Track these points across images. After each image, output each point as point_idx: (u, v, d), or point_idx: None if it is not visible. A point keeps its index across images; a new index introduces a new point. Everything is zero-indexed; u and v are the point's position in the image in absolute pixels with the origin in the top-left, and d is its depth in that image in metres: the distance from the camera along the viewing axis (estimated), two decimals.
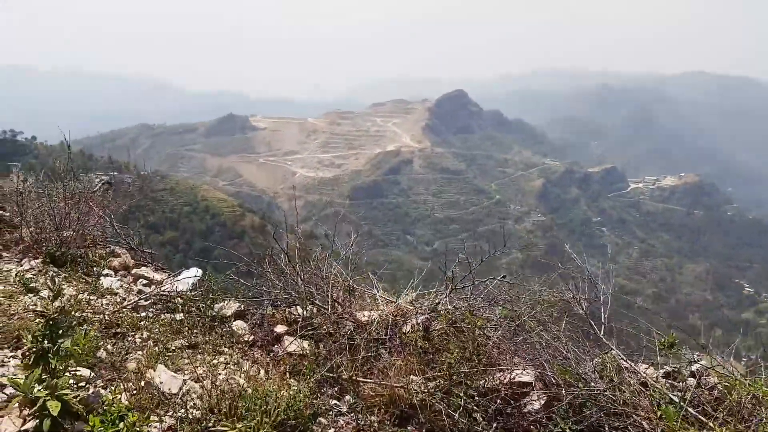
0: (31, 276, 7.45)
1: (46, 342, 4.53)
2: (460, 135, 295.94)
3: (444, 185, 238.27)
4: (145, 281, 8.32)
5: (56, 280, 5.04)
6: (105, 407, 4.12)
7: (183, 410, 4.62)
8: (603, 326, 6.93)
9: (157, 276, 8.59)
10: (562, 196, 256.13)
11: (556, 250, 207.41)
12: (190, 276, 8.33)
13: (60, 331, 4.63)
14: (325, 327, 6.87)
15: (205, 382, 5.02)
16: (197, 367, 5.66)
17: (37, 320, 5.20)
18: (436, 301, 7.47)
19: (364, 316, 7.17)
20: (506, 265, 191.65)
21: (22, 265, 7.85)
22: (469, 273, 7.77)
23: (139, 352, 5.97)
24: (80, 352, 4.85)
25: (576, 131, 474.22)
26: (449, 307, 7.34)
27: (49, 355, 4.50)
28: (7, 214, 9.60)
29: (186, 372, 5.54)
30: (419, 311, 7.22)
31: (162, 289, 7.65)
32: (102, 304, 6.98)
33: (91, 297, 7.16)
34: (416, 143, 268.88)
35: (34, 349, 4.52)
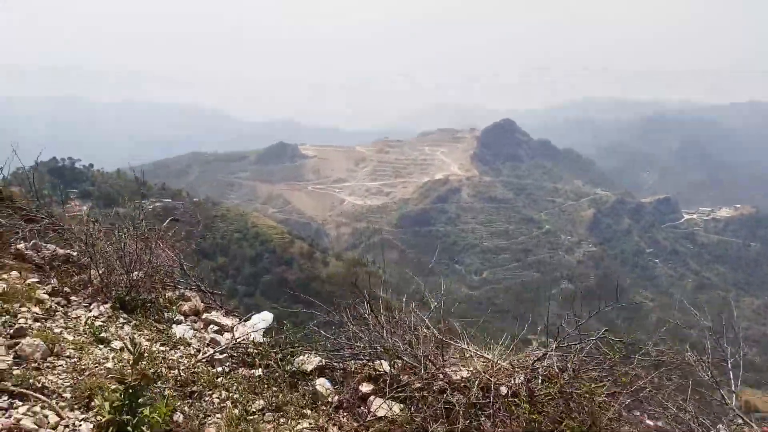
0: (101, 324, 6.89)
1: (125, 413, 4.32)
2: (509, 164, 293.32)
3: (492, 214, 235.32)
4: (216, 327, 7.86)
5: (135, 339, 4.54)
6: None
7: None
8: (734, 395, 6.05)
9: (228, 321, 8.13)
10: (613, 226, 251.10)
11: (609, 280, 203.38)
12: (261, 322, 7.86)
13: (139, 400, 4.40)
14: (415, 386, 6.14)
15: None
16: None
17: (113, 384, 4.66)
18: (535, 358, 6.50)
19: (456, 374, 6.40)
20: (555, 295, 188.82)
21: (90, 311, 7.26)
22: (576, 327, 6.81)
23: (218, 415, 5.43)
24: (159, 420, 4.46)
25: (626, 161, 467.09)
26: (553, 366, 6.41)
27: (128, 428, 4.29)
28: (75, 253, 8.99)
29: None
30: (518, 370, 6.40)
31: (236, 338, 7.10)
32: (176, 357, 6.48)
33: (164, 348, 6.69)
34: (464, 172, 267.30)
35: (114, 420, 4.30)
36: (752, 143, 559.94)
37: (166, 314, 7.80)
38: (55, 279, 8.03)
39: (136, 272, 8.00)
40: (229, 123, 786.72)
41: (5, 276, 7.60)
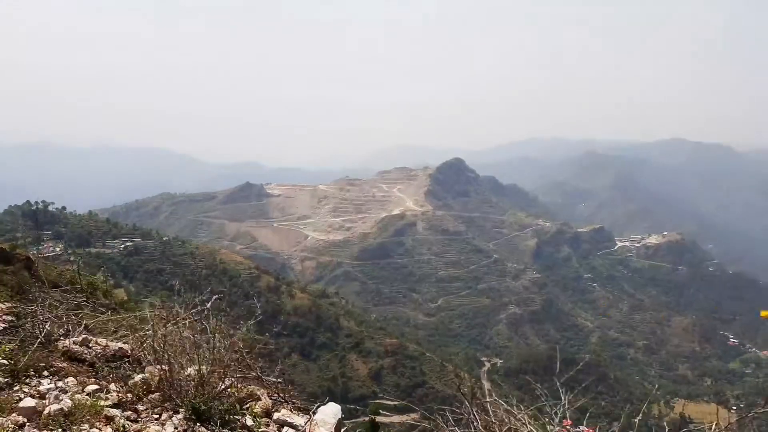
0: None
1: None
2: (459, 199, 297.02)
3: (445, 245, 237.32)
4: (291, 430, 6.58)
5: None
6: None
7: None
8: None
9: (300, 420, 6.76)
10: (554, 254, 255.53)
11: (552, 304, 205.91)
12: (331, 417, 6.76)
13: None
14: None
15: None
16: None
17: None
18: None
19: None
20: (506, 320, 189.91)
21: (163, 425, 5.88)
22: None
23: None
24: None
25: (564, 194, 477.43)
26: None
27: None
28: (127, 346, 7.58)
29: None
30: None
31: None
32: None
33: None
34: (419, 207, 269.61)
35: None
36: (676, 177, 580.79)
37: (248, 422, 6.50)
38: (113, 383, 6.58)
39: (199, 367, 6.50)
40: (198, 166, 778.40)
41: (62, 384, 6.24)
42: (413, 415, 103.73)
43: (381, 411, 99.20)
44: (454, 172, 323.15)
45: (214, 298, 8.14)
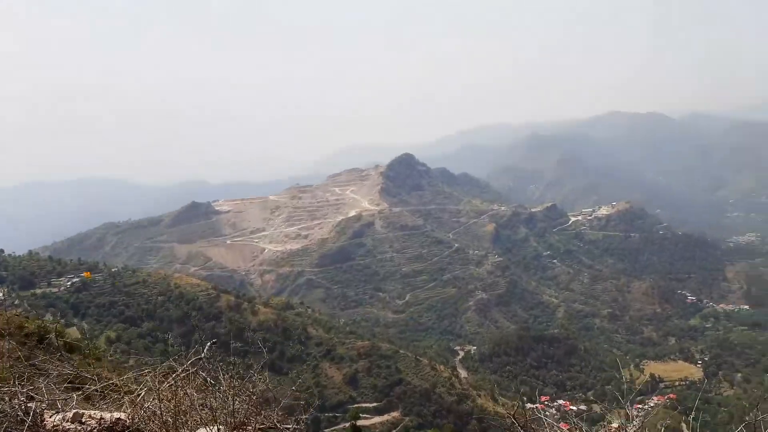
0: None
1: None
2: (414, 193, 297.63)
3: (406, 241, 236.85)
4: None
5: None
6: None
7: None
8: None
9: None
10: (512, 236, 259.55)
11: (516, 285, 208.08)
12: None
13: None
14: None
15: None
16: None
17: None
18: None
19: None
20: (474, 306, 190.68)
21: None
22: None
23: None
24: None
25: (515, 178, 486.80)
26: None
27: None
28: (125, 415, 6.52)
29: None
30: None
31: None
32: None
33: None
34: (375, 206, 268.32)
35: None
36: (618, 149, 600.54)
37: None
38: None
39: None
40: (138, 191, 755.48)
41: None
42: (394, 414, 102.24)
43: (361, 415, 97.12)
44: (406, 167, 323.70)
45: (209, 344, 7.71)
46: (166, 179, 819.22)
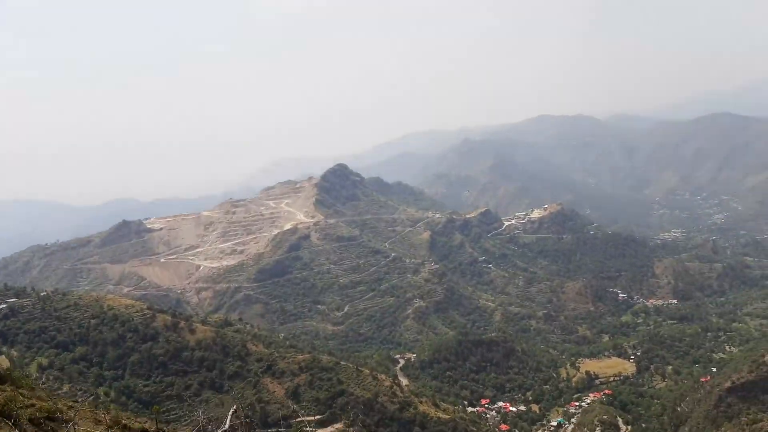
0: None
1: None
2: (349, 203, 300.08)
3: (343, 252, 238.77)
4: None
5: None
6: None
7: None
8: None
9: None
10: (448, 243, 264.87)
11: (453, 291, 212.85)
12: None
13: None
14: None
15: None
16: None
17: None
18: None
19: None
20: (413, 314, 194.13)
21: None
22: None
23: None
24: None
25: (448, 184, 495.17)
26: None
27: None
28: None
29: None
30: None
31: None
32: None
33: None
34: (310, 218, 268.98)
35: None
36: (547, 152, 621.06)
37: None
38: None
39: None
40: (65, 212, 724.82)
41: None
42: (338, 425, 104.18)
43: (305, 429, 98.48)
44: (339, 178, 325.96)
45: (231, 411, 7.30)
46: (94, 199, 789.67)
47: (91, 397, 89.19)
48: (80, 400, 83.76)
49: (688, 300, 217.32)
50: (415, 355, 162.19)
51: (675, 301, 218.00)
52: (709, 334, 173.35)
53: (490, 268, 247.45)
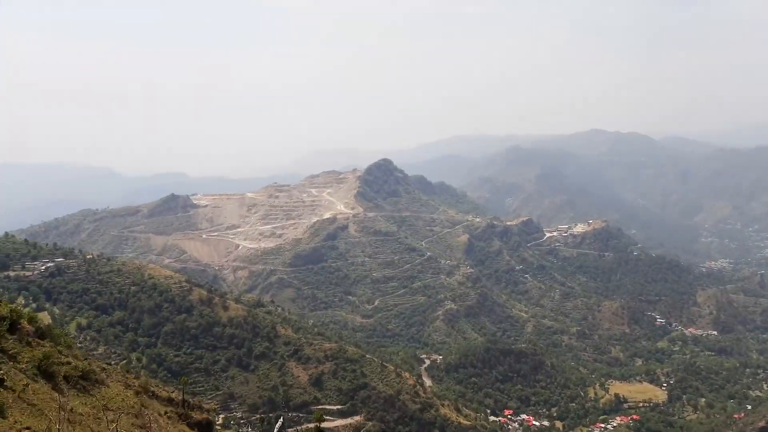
0: None
1: None
2: (390, 199, 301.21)
3: (378, 246, 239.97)
4: None
5: None
6: None
7: None
8: None
9: None
10: (486, 248, 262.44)
11: (486, 298, 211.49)
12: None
13: None
14: None
15: None
16: None
17: None
18: None
19: None
20: (443, 316, 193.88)
21: None
22: None
23: None
24: None
25: (492, 189, 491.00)
26: None
27: None
28: None
29: None
30: None
31: None
32: None
33: None
34: (350, 210, 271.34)
35: None
36: (598, 167, 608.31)
37: None
38: None
39: None
40: (118, 180, 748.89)
41: None
42: (357, 418, 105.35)
43: (325, 417, 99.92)
44: (383, 172, 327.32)
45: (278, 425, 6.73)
46: (146, 170, 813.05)
47: (124, 361, 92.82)
48: (113, 362, 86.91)
49: (729, 333, 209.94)
50: (441, 357, 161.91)
51: (715, 332, 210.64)
52: (747, 370, 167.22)
53: (526, 278, 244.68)
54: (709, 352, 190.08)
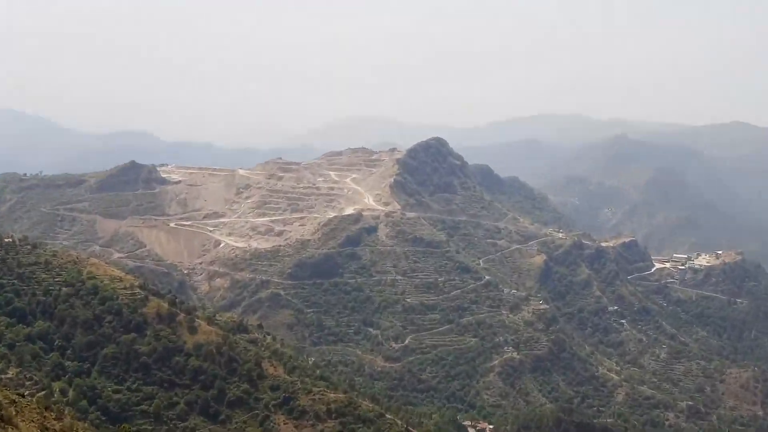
0: None
1: None
2: (440, 195, 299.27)
3: (418, 261, 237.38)
4: None
5: None
6: None
7: None
8: None
9: None
10: (569, 277, 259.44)
11: (564, 347, 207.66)
12: None
13: None
14: None
15: None
16: None
17: None
18: None
19: None
20: (499, 368, 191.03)
21: None
22: None
23: None
24: None
25: (585, 194, 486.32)
26: None
27: None
28: None
29: None
30: None
31: None
32: None
33: None
34: (382, 205, 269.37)
35: None
36: (736, 175, 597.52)
37: None
38: None
39: None
40: (61, 135, 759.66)
41: None
42: None
43: None
44: (432, 157, 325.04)
45: None
46: (103, 126, 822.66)
47: (43, 393, 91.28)
48: (27, 393, 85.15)
49: None
50: (492, 427, 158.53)
51: None
52: None
53: (622, 324, 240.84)
54: None
